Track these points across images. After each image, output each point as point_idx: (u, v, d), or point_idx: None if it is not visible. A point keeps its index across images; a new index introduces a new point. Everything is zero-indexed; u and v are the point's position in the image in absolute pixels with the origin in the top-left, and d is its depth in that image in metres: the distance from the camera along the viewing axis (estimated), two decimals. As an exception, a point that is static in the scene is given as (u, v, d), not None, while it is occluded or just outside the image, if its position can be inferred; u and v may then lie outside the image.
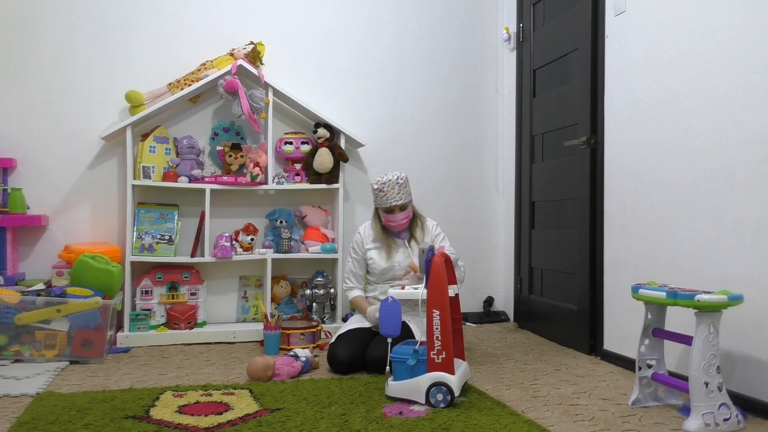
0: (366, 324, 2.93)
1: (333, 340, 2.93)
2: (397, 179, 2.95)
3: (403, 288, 2.49)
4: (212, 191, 3.49)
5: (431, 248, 2.42)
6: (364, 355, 2.74)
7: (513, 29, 4.05)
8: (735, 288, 2.15)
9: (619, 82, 2.96)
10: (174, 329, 3.39)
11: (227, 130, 3.69)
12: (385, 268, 3.03)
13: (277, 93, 3.63)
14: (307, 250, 3.66)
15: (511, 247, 4.07)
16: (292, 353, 2.81)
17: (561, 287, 3.43)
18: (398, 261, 3.03)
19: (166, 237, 3.45)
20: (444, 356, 2.22)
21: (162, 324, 3.41)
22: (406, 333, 2.67)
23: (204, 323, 3.54)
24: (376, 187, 2.97)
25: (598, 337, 3.08)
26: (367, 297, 3.10)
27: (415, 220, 3.08)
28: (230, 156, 3.57)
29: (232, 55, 3.63)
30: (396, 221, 2.98)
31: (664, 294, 2.13)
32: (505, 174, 4.19)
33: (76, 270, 3.07)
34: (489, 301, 4.18)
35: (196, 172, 3.52)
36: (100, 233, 3.56)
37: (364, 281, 3.16)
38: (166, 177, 3.47)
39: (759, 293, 2.17)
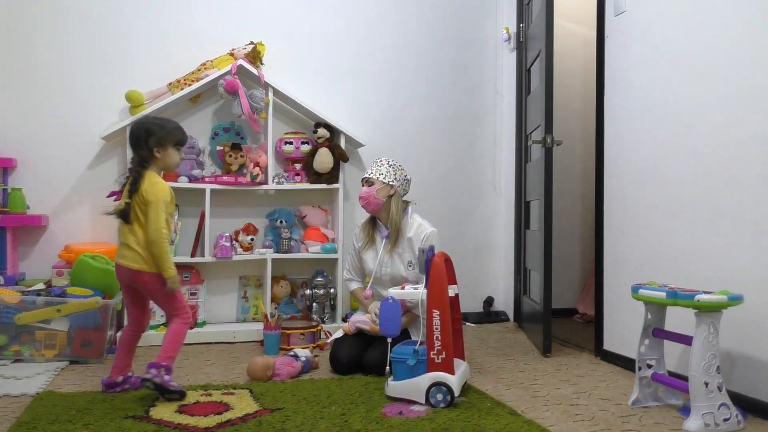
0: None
1: (331, 341, 2.92)
2: (388, 159, 2.91)
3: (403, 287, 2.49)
4: (212, 191, 3.49)
5: (431, 248, 2.42)
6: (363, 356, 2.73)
7: (513, 29, 4.05)
8: (735, 288, 2.15)
9: (619, 82, 2.96)
10: (174, 329, 3.39)
11: (227, 130, 3.69)
12: (372, 269, 2.92)
13: (277, 93, 3.63)
14: (307, 250, 3.66)
15: (511, 247, 4.07)
16: (292, 353, 2.81)
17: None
18: (382, 261, 2.89)
19: (166, 237, 3.45)
20: (444, 356, 2.22)
21: (162, 324, 3.40)
22: (403, 334, 2.63)
23: (204, 323, 3.54)
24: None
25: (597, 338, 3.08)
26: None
27: (396, 219, 2.85)
28: (230, 156, 3.57)
29: (232, 55, 3.62)
30: (360, 195, 2.88)
31: (664, 294, 2.13)
32: (504, 174, 4.19)
33: (76, 270, 3.07)
34: (489, 301, 4.17)
35: (196, 172, 3.52)
36: (100, 233, 3.55)
37: (363, 275, 3.05)
38: (166, 177, 3.46)
39: (759, 293, 2.17)
